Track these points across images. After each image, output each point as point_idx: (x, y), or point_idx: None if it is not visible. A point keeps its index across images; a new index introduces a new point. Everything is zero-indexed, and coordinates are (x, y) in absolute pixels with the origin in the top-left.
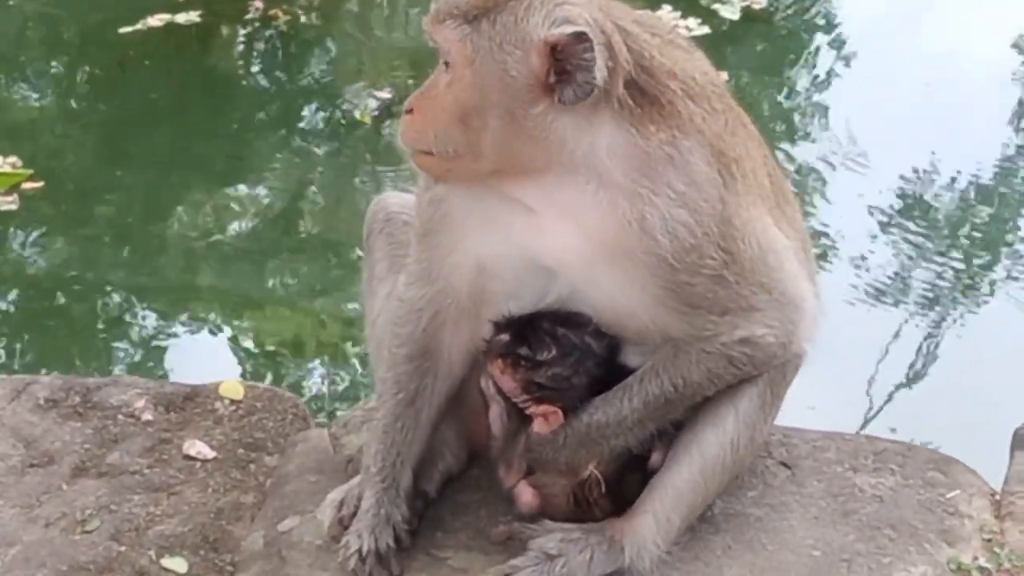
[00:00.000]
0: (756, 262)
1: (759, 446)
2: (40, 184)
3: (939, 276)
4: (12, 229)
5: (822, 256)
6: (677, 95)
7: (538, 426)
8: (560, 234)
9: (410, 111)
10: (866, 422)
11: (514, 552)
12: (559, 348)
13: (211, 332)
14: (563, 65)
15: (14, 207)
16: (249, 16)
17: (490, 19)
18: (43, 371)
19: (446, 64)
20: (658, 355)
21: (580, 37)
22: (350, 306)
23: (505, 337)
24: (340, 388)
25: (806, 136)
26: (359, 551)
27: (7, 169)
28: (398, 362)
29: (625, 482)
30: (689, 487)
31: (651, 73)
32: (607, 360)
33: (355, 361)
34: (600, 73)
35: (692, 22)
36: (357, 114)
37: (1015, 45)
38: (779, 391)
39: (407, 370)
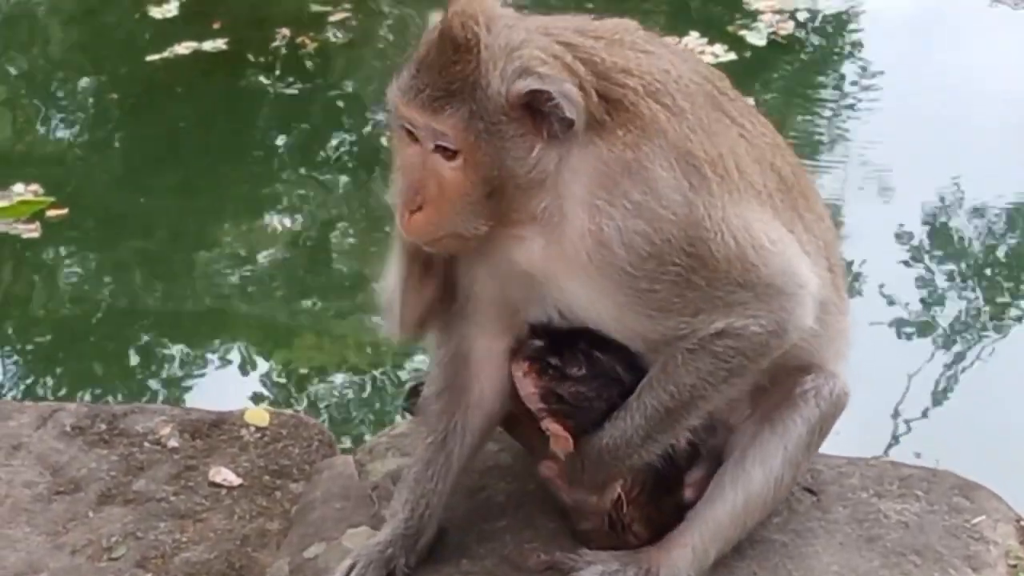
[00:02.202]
0: (732, 261)
1: (796, 482)
2: (64, 211)
3: (964, 302)
4: (36, 256)
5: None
6: (639, 93)
7: (552, 445)
8: (536, 248)
9: (419, 209)
10: (891, 448)
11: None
12: (589, 368)
13: (237, 359)
14: (538, 107)
15: (36, 235)
16: (275, 44)
17: (472, 95)
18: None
19: (444, 149)
20: (652, 369)
21: (535, 95)
22: (376, 334)
23: (539, 343)
24: (366, 415)
25: (831, 162)
26: None
27: (29, 197)
28: (429, 401)
29: (660, 506)
30: (731, 522)
31: (607, 77)
32: (632, 392)
33: (380, 388)
34: (571, 108)
35: (719, 48)
36: (384, 140)
37: None
38: (826, 430)
39: (436, 409)
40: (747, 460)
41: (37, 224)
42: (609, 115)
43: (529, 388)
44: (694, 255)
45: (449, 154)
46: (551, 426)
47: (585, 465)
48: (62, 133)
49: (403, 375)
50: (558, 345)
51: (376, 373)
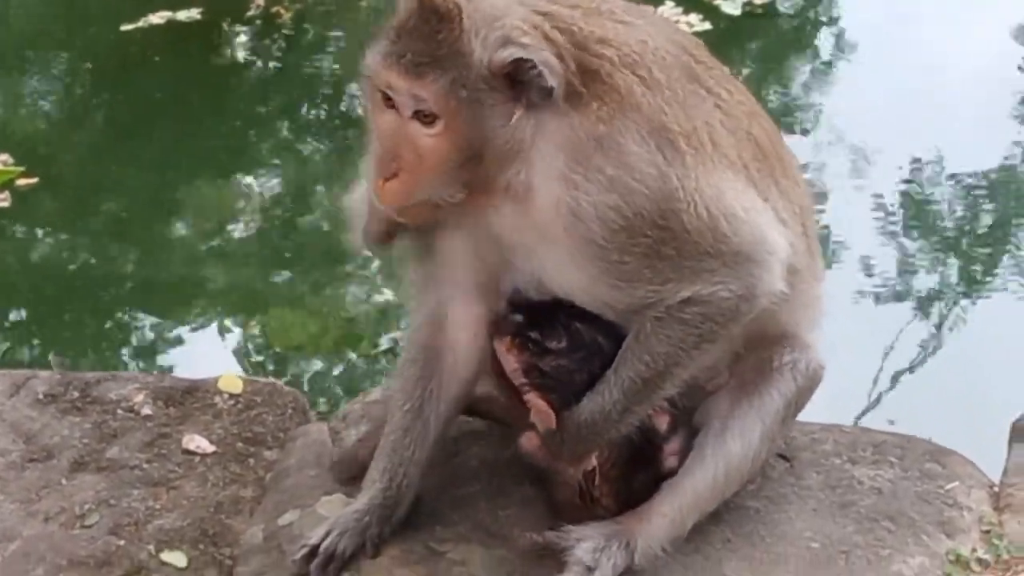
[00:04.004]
0: (703, 232)
1: (772, 453)
2: (34, 181)
3: (938, 271)
4: (7, 226)
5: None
6: (615, 64)
7: (533, 418)
8: (508, 218)
9: (394, 175)
10: (865, 415)
11: (517, 549)
12: (570, 340)
13: (211, 327)
14: (519, 76)
15: (6, 204)
16: (251, 13)
17: (454, 62)
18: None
19: (423, 116)
20: (625, 342)
21: (518, 64)
22: (351, 302)
23: (519, 317)
24: (340, 382)
25: (807, 133)
26: (316, 546)
27: None
28: (404, 368)
29: (631, 481)
30: (709, 493)
31: (584, 47)
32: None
33: (355, 356)
34: (552, 78)
35: (694, 18)
36: (361, 110)
37: (1016, 37)
38: (802, 404)
39: (411, 375)
40: (726, 433)
41: (7, 194)
42: (585, 86)
43: (512, 363)
44: (665, 227)
45: (428, 120)
46: (534, 400)
47: (565, 438)
48: (34, 104)
49: (382, 343)
50: (538, 319)
51: (352, 342)
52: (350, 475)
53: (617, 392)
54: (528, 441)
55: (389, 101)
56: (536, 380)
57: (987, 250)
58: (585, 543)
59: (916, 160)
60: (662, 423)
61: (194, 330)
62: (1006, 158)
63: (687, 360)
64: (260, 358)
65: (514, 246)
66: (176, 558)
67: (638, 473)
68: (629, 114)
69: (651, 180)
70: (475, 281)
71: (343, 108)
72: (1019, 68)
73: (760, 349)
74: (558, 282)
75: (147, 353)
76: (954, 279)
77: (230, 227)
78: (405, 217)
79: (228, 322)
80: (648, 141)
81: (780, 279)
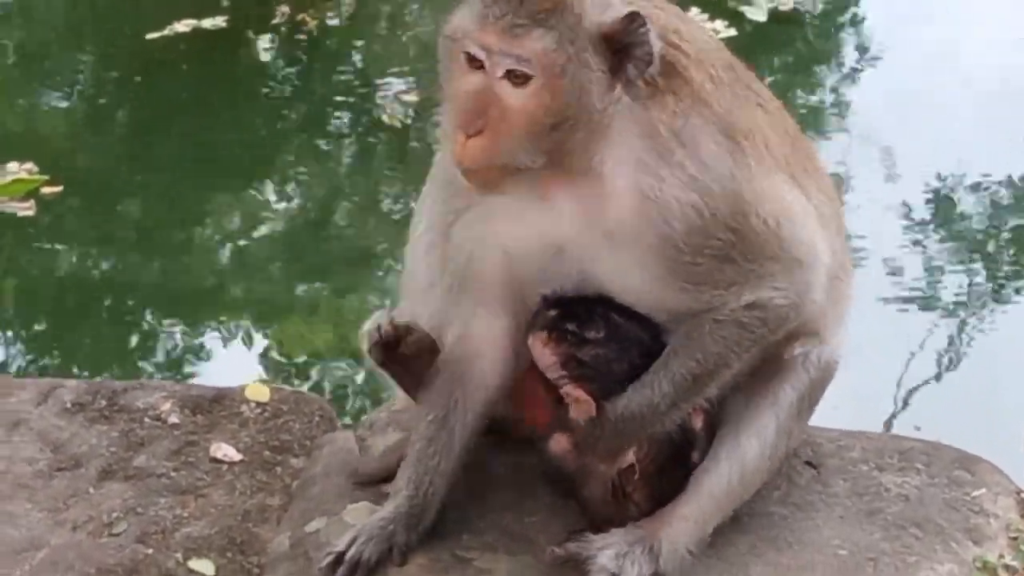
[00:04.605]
0: (767, 236)
1: (791, 451)
2: (58, 189)
3: (966, 277)
4: (32, 234)
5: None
6: (689, 59)
7: (572, 412)
8: (567, 216)
9: (478, 133)
10: (892, 421)
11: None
12: (608, 330)
13: (237, 336)
14: (618, 46)
15: (31, 213)
16: (276, 21)
17: (562, 20)
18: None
19: (517, 75)
20: (676, 336)
21: (633, 18)
22: (376, 309)
23: (553, 312)
24: (367, 390)
25: (833, 138)
26: (342, 554)
27: (23, 175)
28: (428, 379)
29: (665, 478)
30: (727, 494)
31: (663, 36)
32: (651, 353)
33: None
34: (656, 43)
35: (719, 24)
36: (385, 118)
37: None
38: (816, 398)
39: (436, 386)
40: (741, 431)
41: (32, 202)
42: (663, 77)
43: (549, 357)
44: (735, 230)
45: (519, 81)
46: (573, 392)
47: (605, 430)
48: (59, 112)
49: None
50: (573, 310)
51: None
52: (371, 480)
53: (668, 385)
54: (557, 444)
55: (475, 63)
56: (575, 371)
57: (1017, 257)
58: (608, 550)
59: (943, 164)
60: (698, 422)
61: (220, 338)
62: None
63: (736, 362)
64: (285, 366)
65: (573, 247)
66: (204, 566)
67: (674, 470)
68: (703, 111)
69: (726, 181)
70: (504, 293)
71: (367, 114)
72: None
73: (778, 344)
74: (617, 283)
75: (173, 361)
76: (980, 284)
77: (255, 234)
78: (479, 181)
79: (253, 330)
80: (721, 141)
81: (823, 287)
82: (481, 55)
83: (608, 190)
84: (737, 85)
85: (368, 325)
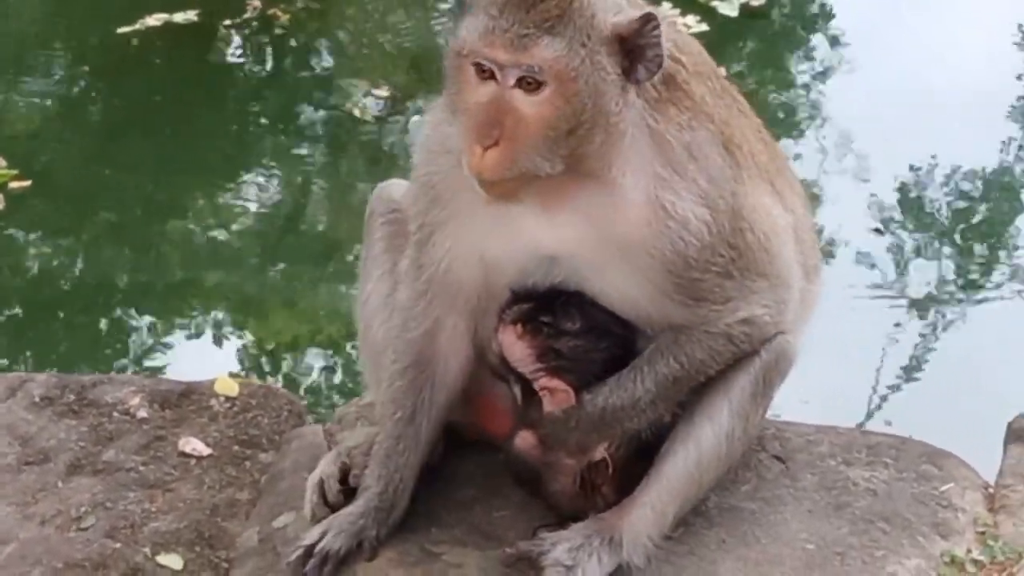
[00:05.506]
0: (760, 252)
1: (751, 438)
2: (27, 183)
3: (935, 272)
4: None
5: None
6: (689, 71)
7: (547, 404)
8: (569, 226)
9: (495, 144)
10: (861, 416)
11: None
12: (584, 320)
13: (207, 330)
14: (630, 47)
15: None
16: (247, 15)
17: (571, 26)
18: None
19: (529, 82)
20: (662, 336)
21: (649, 19)
22: (347, 304)
23: (527, 304)
24: (335, 385)
25: (804, 133)
26: (311, 547)
27: None
28: (394, 377)
29: (633, 472)
30: (685, 480)
31: None
32: (626, 342)
33: (351, 358)
34: (667, 46)
35: (691, 19)
36: (356, 112)
37: (1013, 36)
38: (771, 381)
39: (403, 385)
40: (695, 417)
41: (0, 197)
42: (663, 86)
43: (523, 350)
44: (735, 246)
45: (532, 88)
46: (549, 383)
47: (580, 423)
48: (28, 106)
49: None
50: (547, 303)
51: (347, 345)
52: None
53: (651, 383)
54: (522, 440)
55: (484, 73)
56: (553, 363)
57: (984, 251)
58: (562, 544)
59: (912, 159)
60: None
61: (189, 333)
62: (1003, 158)
63: (714, 369)
64: (255, 360)
65: (564, 253)
66: (172, 560)
67: (640, 464)
68: (706, 124)
69: (729, 196)
70: (474, 298)
71: (340, 109)
72: (1018, 77)
73: None
74: (615, 292)
75: (142, 356)
76: (951, 280)
77: (225, 228)
78: (497, 192)
79: (223, 324)
80: (723, 154)
81: (796, 303)
82: (491, 67)
83: (623, 201)
84: (726, 95)
85: (314, 476)
